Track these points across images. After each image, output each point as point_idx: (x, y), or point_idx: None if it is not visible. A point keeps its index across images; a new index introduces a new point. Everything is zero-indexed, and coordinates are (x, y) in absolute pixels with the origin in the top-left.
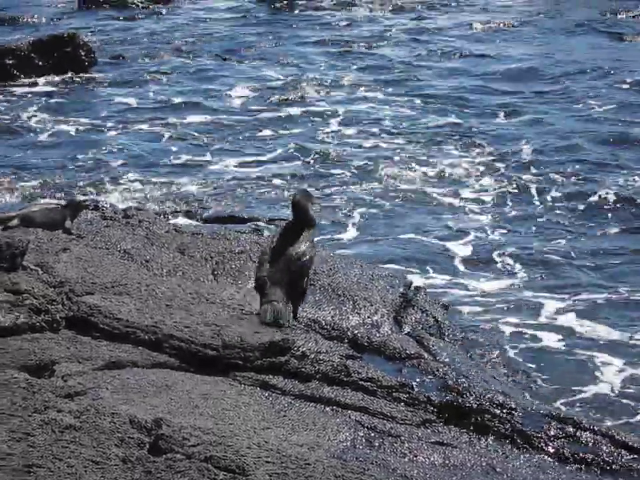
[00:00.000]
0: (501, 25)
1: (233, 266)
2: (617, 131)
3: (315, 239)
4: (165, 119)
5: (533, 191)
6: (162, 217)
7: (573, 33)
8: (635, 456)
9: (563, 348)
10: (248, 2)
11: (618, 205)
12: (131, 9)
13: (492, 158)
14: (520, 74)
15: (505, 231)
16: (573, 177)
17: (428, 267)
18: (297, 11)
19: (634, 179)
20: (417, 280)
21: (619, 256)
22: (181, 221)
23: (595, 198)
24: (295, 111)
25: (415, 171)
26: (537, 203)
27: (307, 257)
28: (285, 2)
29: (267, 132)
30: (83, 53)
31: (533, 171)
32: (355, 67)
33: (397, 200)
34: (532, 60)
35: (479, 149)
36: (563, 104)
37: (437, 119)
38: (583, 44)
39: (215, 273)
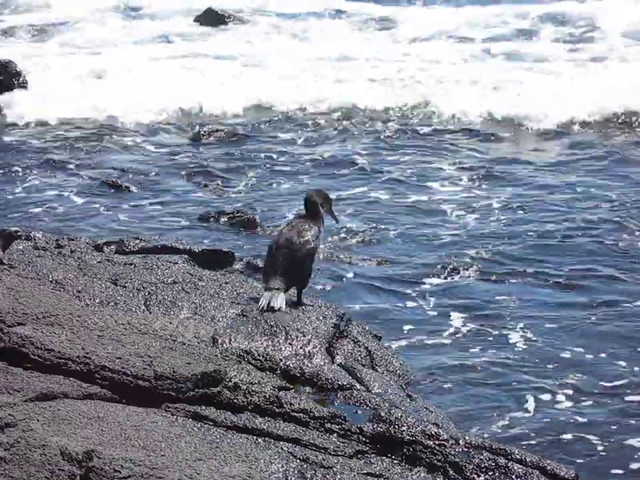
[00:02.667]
0: None
1: (166, 296)
2: None
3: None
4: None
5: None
6: (95, 247)
7: None
8: None
9: (496, 379)
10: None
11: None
12: None
13: None
14: None
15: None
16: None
17: (362, 297)
18: None
19: None
20: (351, 310)
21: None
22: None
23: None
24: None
25: None
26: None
27: (310, 245)
28: None
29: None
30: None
31: None
32: None
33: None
34: None
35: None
36: None
37: None
38: None
39: (148, 303)
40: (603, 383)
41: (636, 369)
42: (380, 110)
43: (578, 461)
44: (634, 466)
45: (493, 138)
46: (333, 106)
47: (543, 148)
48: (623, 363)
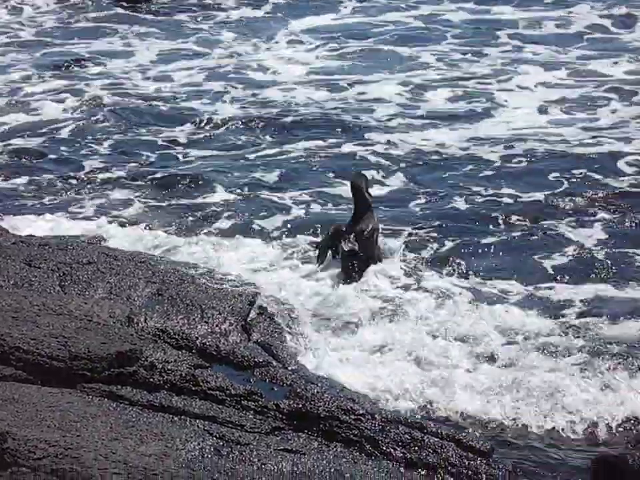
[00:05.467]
0: None
1: (81, 277)
2: None
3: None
4: None
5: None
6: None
7: None
8: (482, 459)
9: (413, 353)
10: None
11: None
12: None
13: None
14: None
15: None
16: None
17: (281, 270)
18: None
19: None
20: (267, 287)
21: None
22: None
23: None
24: None
25: None
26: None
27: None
28: None
29: None
30: None
31: None
32: None
33: None
34: None
35: None
36: None
37: None
38: None
39: (63, 284)
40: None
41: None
42: None
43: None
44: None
45: None
46: None
47: None
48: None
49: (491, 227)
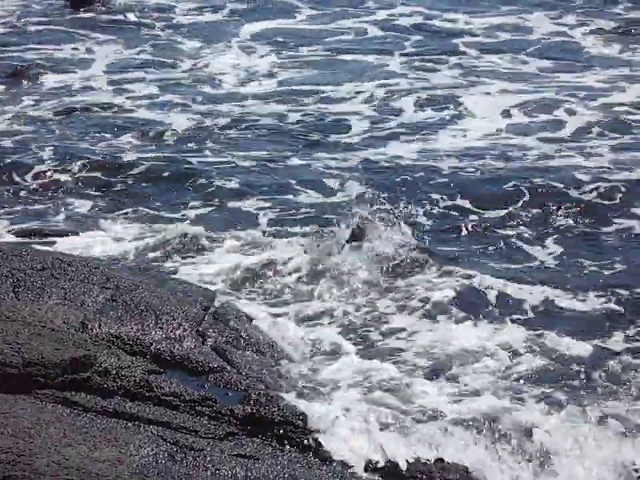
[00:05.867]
0: None
1: (35, 283)
2: None
3: None
4: None
5: None
6: None
7: None
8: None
9: (364, 357)
10: None
11: None
12: None
13: None
14: None
15: None
16: None
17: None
18: None
19: None
20: (222, 293)
21: None
22: None
23: None
24: None
25: None
26: None
27: None
28: None
29: None
30: None
31: None
32: None
33: None
34: None
35: None
36: None
37: None
38: None
39: (16, 290)
40: None
41: None
42: None
43: None
44: None
45: None
46: None
47: None
48: None
49: (447, 237)
